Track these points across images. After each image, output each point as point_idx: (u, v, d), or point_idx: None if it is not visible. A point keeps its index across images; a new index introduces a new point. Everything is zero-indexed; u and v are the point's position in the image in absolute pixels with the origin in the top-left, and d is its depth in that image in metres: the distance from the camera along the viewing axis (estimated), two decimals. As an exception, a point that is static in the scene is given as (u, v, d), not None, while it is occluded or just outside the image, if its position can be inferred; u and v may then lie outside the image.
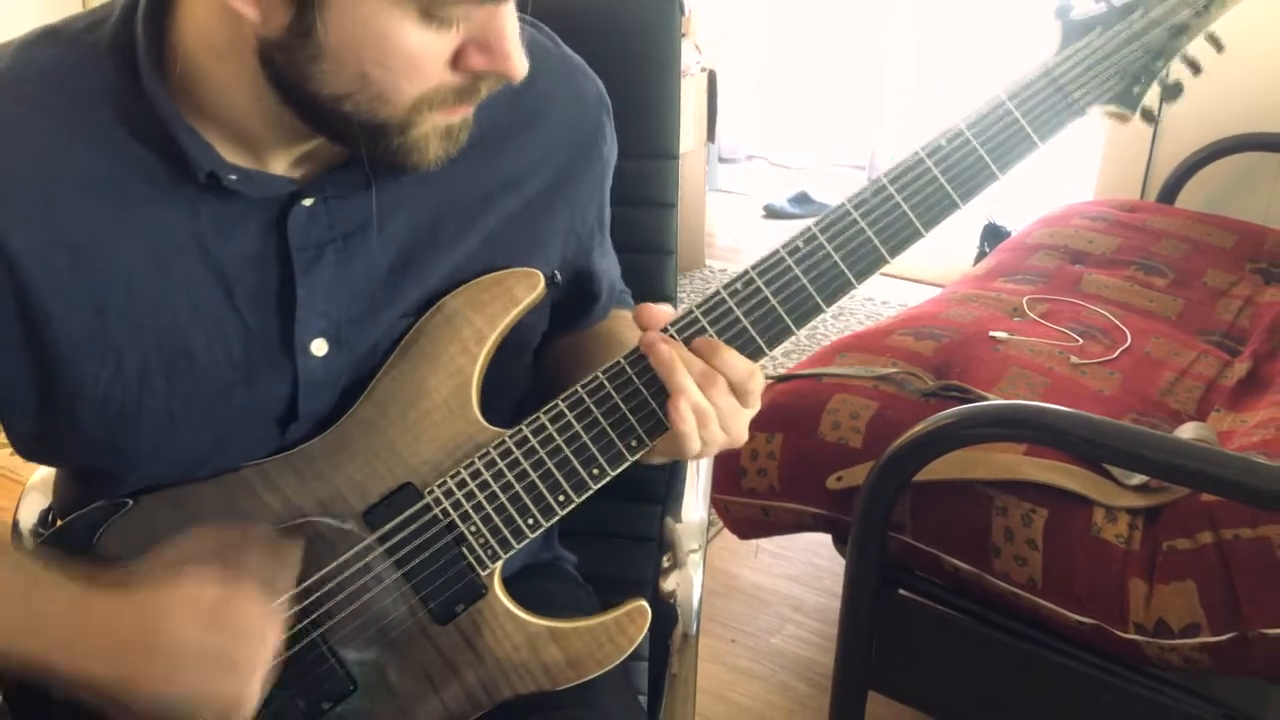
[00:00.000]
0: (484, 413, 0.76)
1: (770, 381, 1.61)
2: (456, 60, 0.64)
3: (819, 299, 0.73)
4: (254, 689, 0.68)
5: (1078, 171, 2.98)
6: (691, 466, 1.12)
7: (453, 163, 0.71)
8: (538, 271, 0.77)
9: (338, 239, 0.73)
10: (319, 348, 0.74)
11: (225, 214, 0.71)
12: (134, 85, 0.68)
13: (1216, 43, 0.76)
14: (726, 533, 1.73)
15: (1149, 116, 0.76)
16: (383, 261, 0.75)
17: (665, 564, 1.05)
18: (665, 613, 1.01)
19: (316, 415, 0.76)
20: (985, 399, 1.45)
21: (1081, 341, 1.69)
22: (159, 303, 0.70)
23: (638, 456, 0.75)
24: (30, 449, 0.77)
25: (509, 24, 0.64)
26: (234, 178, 0.69)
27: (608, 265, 0.92)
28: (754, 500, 1.53)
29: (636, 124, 0.99)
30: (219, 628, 0.67)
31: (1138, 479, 1.27)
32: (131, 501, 0.75)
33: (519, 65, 0.65)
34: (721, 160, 4.35)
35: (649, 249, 1.09)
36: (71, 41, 0.70)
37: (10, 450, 0.76)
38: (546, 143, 0.81)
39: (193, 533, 0.71)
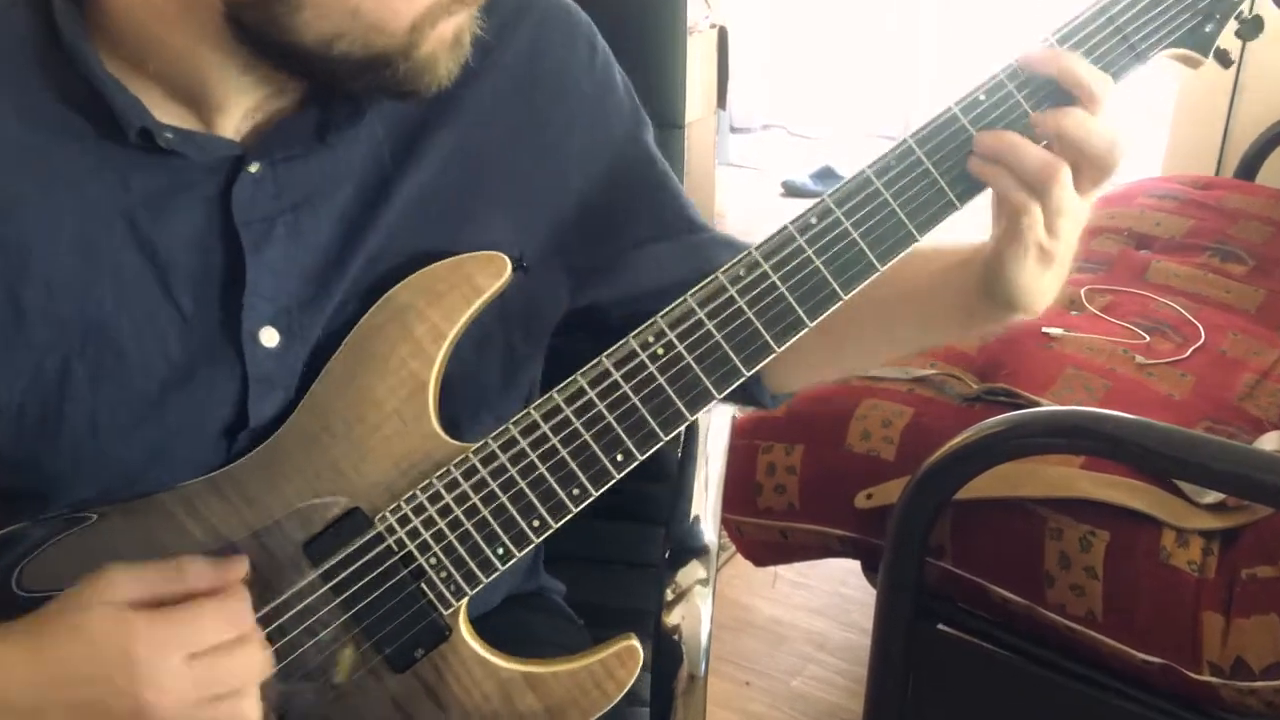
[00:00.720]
0: (447, 426, 0.75)
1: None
2: None
3: (835, 285, 0.71)
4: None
5: (1144, 143, 2.97)
6: (699, 482, 1.12)
7: None
8: (502, 255, 0.75)
9: (287, 210, 0.73)
10: (269, 337, 0.73)
11: (160, 186, 0.70)
12: (52, 36, 0.68)
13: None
14: (739, 559, 1.75)
15: (1224, 59, 0.74)
16: (332, 237, 0.75)
17: (669, 594, 1.04)
18: (669, 650, 1.01)
19: (271, 423, 0.75)
20: (1037, 404, 1.46)
21: (1148, 338, 1.70)
22: (83, 294, 0.70)
23: (624, 474, 0.73)
24: None
25: None
26: (170, 136, 0.69)
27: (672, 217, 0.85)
28: (771, 521, 1.54)
29: (637, 88, 0.98)
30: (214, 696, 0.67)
31: (1213, 497, 1.27)
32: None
33: None
34: (733, 130, 4.38)
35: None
36: None
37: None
38: (493, 91, 0.78)
39: (110, 576, 0.67)
